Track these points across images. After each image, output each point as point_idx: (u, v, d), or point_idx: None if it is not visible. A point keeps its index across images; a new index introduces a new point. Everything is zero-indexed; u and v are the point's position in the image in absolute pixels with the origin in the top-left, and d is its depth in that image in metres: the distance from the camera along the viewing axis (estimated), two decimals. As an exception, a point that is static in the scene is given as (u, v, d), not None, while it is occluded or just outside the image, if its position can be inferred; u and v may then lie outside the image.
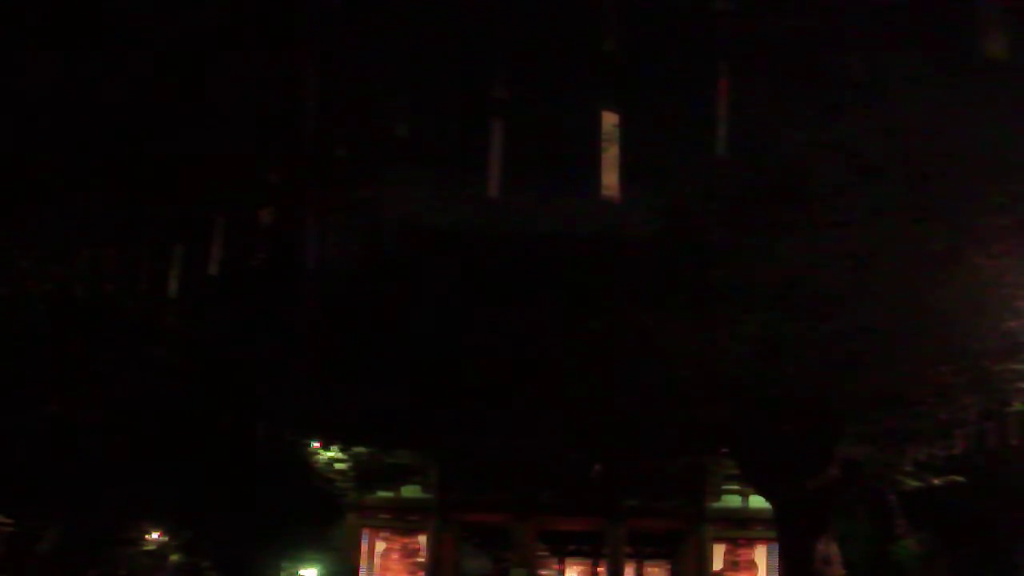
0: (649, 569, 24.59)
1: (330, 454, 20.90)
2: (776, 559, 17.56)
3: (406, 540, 23.07)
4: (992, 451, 13.91)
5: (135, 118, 6.80)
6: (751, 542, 22.09)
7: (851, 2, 5.20)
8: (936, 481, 16.76)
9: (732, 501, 21.77)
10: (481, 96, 5.66)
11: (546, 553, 24.35)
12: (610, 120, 5.30)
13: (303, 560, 22.66)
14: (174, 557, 21.58)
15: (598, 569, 24.34)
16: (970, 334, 10.46)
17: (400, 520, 22.79)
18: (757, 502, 19.97)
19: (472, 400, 14.56)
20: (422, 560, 22.60)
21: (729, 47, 5.34)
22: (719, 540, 21.98)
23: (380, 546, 23.20)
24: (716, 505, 21.71)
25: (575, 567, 25.36)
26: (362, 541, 22.70)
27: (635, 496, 21.56)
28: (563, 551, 25.03)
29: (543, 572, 24.20)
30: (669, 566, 24.36)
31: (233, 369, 13.49)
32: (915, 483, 17.07)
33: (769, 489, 16.51)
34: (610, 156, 5.29)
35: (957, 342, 10.72)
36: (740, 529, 21.85)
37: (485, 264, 9.30)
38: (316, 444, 20.31)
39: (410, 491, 22.54)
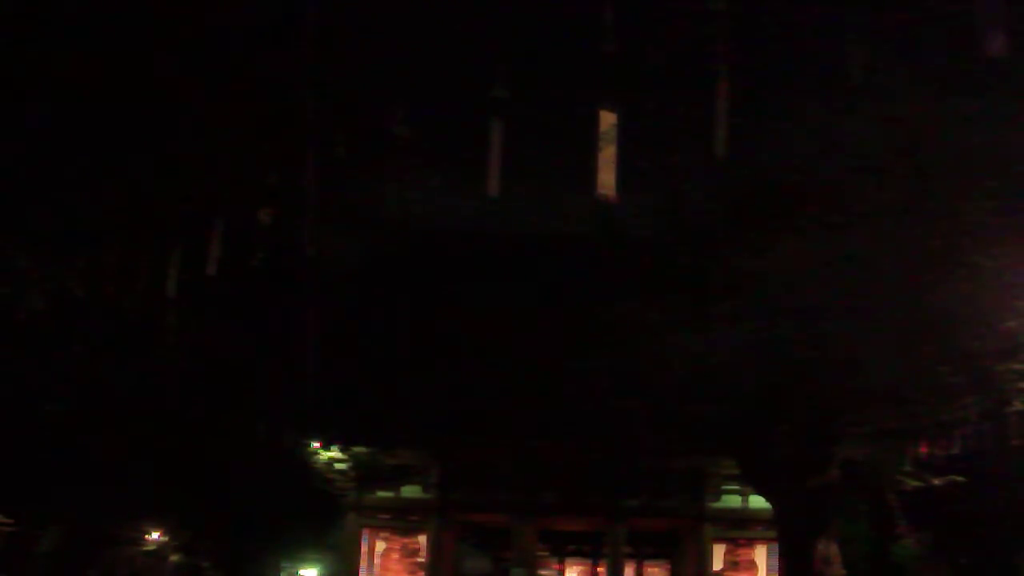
0: (649, 569, 24.58)
1: (330, 454, 20.89)
2: (776, 559, 17.56)
3: (406, 540, 23.07)
4: (992, 451, 13.91)
5: (136, 118, 6.80)
6: (751, 542, 22.09)
7: (851, 2, 5.21)
8: (936, 481, 16.75)
9: (732, 501, 21.77)
10: (481, 96, 5.66)
11: (546, 553, 24.34)
12: (608, 119, 5.31)
13: (303, 560, 22.64)
14: (174, 557, 21.57)
15: (598, 569, 24.33)
16: (970, 334, 10.45)
17: (400, 520, 22.79)
18: (757, 502, 19.96)
19: (472, 400, 14.56)
20: (422, 560, 22.60)
21: (729, 47, 5.34)
22: (719, 540, 21.99)
23: (380, 546, 23.20)
24: (716, 505, 21.72)
25: (575, 567, 25.34)
26: (362, 541, 22.70)
27: (635, 496, 21.57)
28: (563, 551, 25.01)
29: (543, 572, 24.19)
30: (669, 566, 24.36)
31: (233, 369, 13.49)
32: (915, 483, 17.06)
33: (769, 489, 16.50)
34: (607, 155, 5.29)
35: (957, 342, 10.71)
36: (740, 529, 21.85)
37: (485, 264, 9.30)
38: (316, 444, 20.30)
39: (410, 491, 22.54)
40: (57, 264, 9.76)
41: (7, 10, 5.70)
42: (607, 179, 5.29)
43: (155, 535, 21.26)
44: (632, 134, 5.41)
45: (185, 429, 16.08)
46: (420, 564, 22.65)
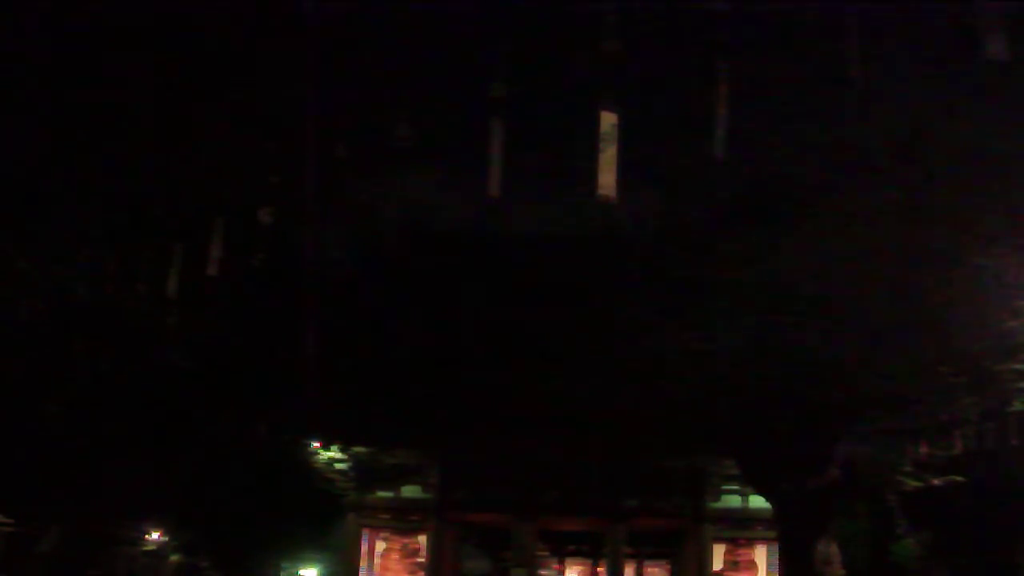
0: (649, 569, 24.56)
1: (330, 454, 20.90)
2: (776, 559, 17.59)
3: (406, 540, 23.07)
4: (992, 451, 13.92)
5: (136, 118, 6.80)
6: (751, 542, 22.09)
7: (851, 1, 5.20)
8: (936, 481, 16.76)
9: (732, 501, 21.78)
10: (481, 96, 5.66)
11: (546, 553, 24.33)
12: (608, 120, 5.30)
13: (303, 560, 22.66)
14: (174, 557, 21.57)
15: (598, 569, 24.32)
16: (970, 334, 10.46)
17: (400, 520, 22.79)
18: (757, 502, 19.98)
19: (472, 400, 14.56)
20: (422, 560, 22.60)
21: (728, 47, 5.34)
22: (719, 540, 21.99)
23: (380, 546, 23.20)
24: (716, 505, 21.72)
25: (575, 567, 25.34)
26: (362, 541, 22.70)
27: (635, 496, 21.58)
28: (563, 551, 25.01)
29: (543, 572, 24.19)
30: (669, 566, 24.34)
31: (233, 369, 13.49)
32: (915, 483, 17.07)
33: (769, 489, 16.53)
34: (608, 156, 5.29)
35: (957, 342, 10.71)
36: (740, 529, 21.86)
37: (484, 264, 9.30)
38: (316, 444, 20.31)
39: (410, 491, 22.54)
40: (57, 265, 9.76)
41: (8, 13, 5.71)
42: (608, 180, 5.29)
43: (155, 535, 21.28)
44: (632, 134, 5.41)
45: (185, 429, 16.08)
46: (420, 564, 22.65)
